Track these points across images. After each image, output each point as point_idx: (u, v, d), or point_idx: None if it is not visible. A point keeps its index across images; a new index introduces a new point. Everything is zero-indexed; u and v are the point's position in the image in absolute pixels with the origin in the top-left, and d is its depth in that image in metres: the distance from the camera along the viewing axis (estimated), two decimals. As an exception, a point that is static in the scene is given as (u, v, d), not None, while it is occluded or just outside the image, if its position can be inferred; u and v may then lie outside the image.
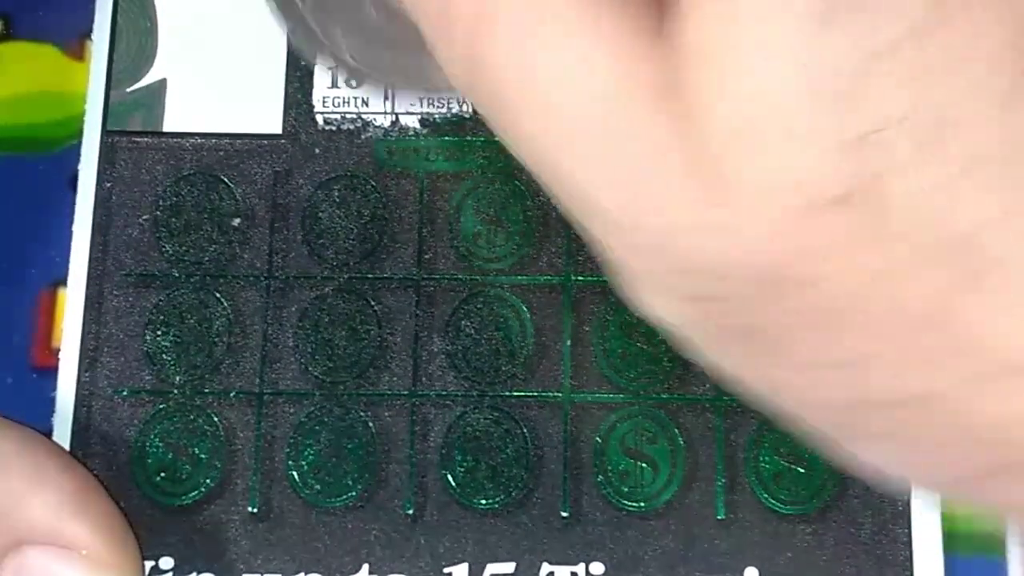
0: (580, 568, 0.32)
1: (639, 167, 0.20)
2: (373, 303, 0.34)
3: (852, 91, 0.18)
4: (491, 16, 0.21)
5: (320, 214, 0.34)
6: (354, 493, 0.33)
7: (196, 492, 0.33)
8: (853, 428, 0.22)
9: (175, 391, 0.33)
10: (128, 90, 0.35)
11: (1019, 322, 0.18)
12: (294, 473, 0.33)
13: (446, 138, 0.35)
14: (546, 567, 0.32)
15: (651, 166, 0.20)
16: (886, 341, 0.19)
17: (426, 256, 0.34)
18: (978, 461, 0.20)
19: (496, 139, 0.35)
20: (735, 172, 0.19)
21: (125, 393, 0.33)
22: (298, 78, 0.35)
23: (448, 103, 0.35)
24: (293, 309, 0.34)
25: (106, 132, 0.35)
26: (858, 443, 0.22)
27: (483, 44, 0.21)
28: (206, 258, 0.34)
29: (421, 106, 0.35)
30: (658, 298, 0.22)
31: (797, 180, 0.19)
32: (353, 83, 0.33)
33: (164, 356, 0.34)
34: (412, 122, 0.35)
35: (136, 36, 0.36)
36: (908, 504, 0.32)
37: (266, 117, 0.35)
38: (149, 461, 0.33)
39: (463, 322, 0.34)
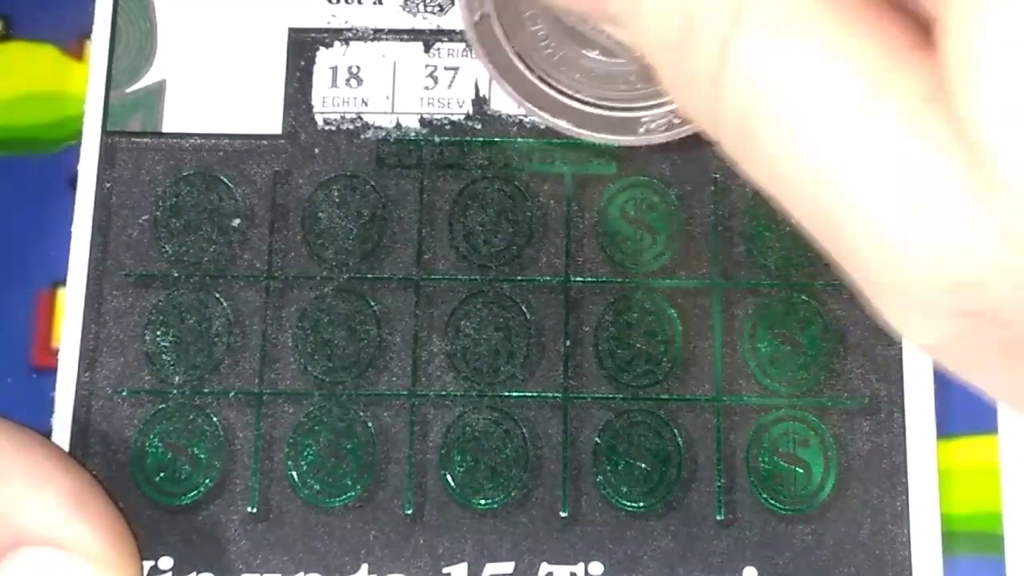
0: (579, 568, 0.32)
1: (915, 182, 0.20)
2: (372, 303, 0.34)
3: None
4: (737, 46, 0.21)
5: (320, 214, 0.34)
6: (353, 493, 0.33)
7: (195, 492, 0.33)
8: None
9: (175, 391, 0.33)
10: (128, 90, 0.35)
11: None
12: (293, 473, 0.33)
13: (446, 138, 0.35)
14: (545, 567, 0.32)
15: (927, 181, 0.20)
16: None
17: (426, 256, 0.34)
18: None
19: (496, 139, 0.35)
20: (1012, 178, 0.19)
21: (125, 393, 0.33)
22: (298, 78, 0.35)
23: (448, 103, 0.35)
24: (293, 309, 0.34)
25: (106, 132, 0.35)
26: None
27: (730, 74, 0.21)
28: (206, 258, 0.34)
29: (421, 106, 0.35)
30: (920, 317, 0.21)
31: None
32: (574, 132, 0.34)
33: (164, 356, 0.34)
34: (412, 122, 0.35)
35: (136, 36, 0.36)
36: (907, 504, 0.32)
37: (266, 117, 0.35)
38: (148, 461, 0.33)
39: (462, 322, 0.34)
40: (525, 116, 0.35)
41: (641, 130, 0.32)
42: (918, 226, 0.20)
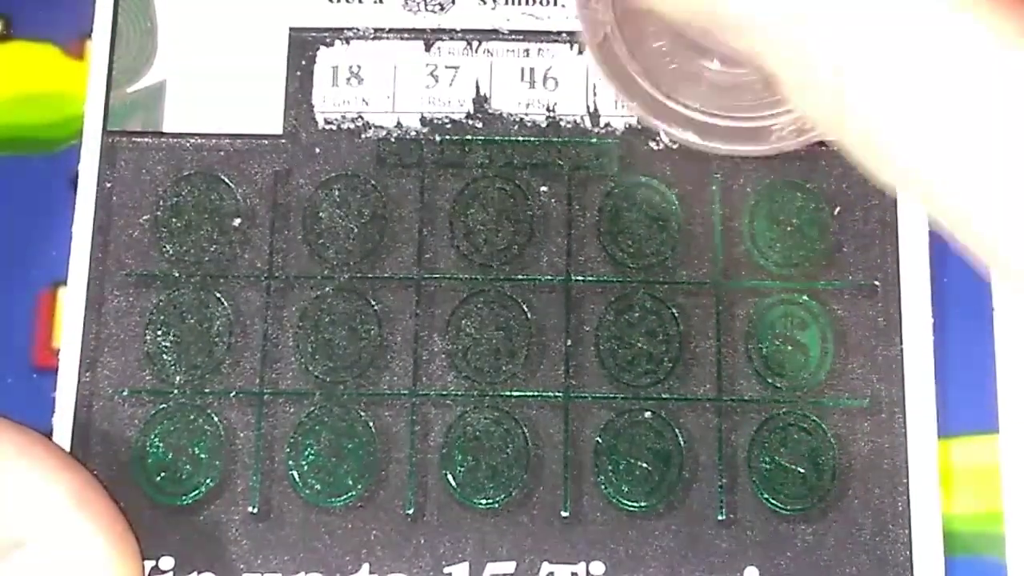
0: (580, 568, 0.32)
1: None
2: (373, 303, 0.34)
3: None
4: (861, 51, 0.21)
5: (320, 214, 0.34)
6: (354, 493, 0.33)
7: (196, 492, 0.33)
8: None
9: (175, 391, 0.33)
10: (128, 90, 0.35)
11: None
12: (294, 473, 0.33)
13: (446, 137, 0.35)
14: (546, 567, 0.32)
15: None
16: None
17: (426, 256, 0.34)
18: None
19: (496, 139, 0.35)
20: None
21: (125, 393, 0.33)
22: (298, 78, 0.35)
23: (448, 103, 0.35)
24: (293, 309, 0.34)
25: (106, 132, 0.35)
26: None
27: (856, 76, 0.21)
28: (206, 258, 0.34)
29: (422, 105, 0.35)
30: None
31: None
32: (699, 142, 0.34)
33: (164, 356, 0.34)
34: (413, 121, 0.35)
35: (136, 36, 0.36)
36: (908, 504, 0.32)
37: (266, 117, 0.35)
38: (149, 461, 0.33)
39: (463, 322, 0.34)
40: (526, 115, 0.35)
41: (772, 138, 0.32)
42: None
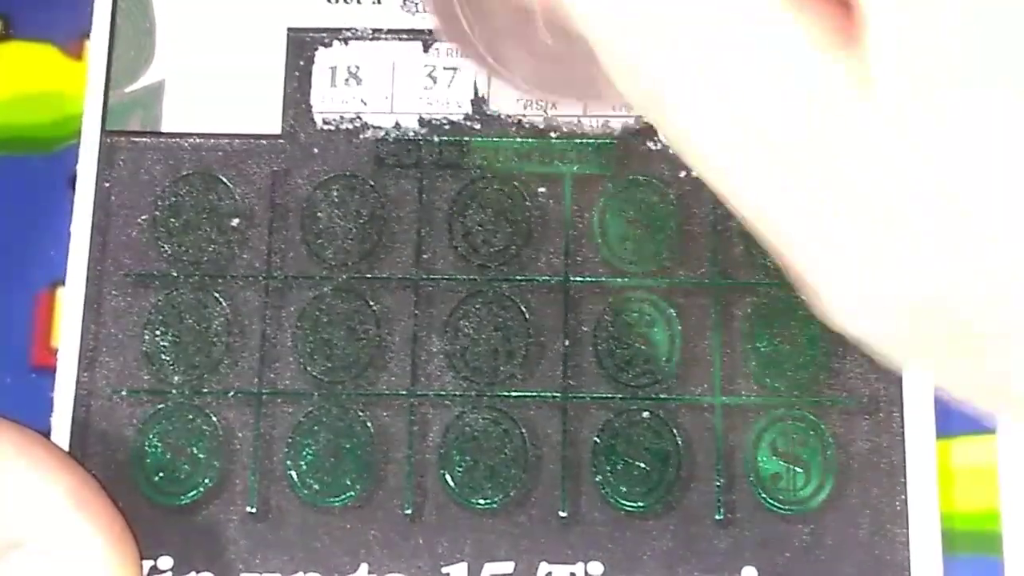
0: (578, 568, 0.32)
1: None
2: (372, 303, 0.34)
3: None
4: (674, 26, 0.21)
5: (319, 214, 0.34)
6: (353, 493, 0.33)
7: (195, 492, 0.33)
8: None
9: (174, 391, 0.33)
10: (127, 90, 0.35)
11: None
12: (293, 473, 0.33)
13: (445, 138, 0.35)
14: (544, 567, 0.32)
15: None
16: None
17: (425, 256, 0.34)
18: None
19: (494, 140, 0.35)
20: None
21: (124, 393, 0.33)
22: (297, 78, 0.35)
23: (447, 103, 0.35)
24: (292, 309, 0.34)
25: (105, 132, 0.35)
26: None
27: (663, 58, 0.21)
28: (205, 258, 0.34)
29: (420, 106, 0.35)
30: (871, 320, 0.21)
31: None
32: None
33: (163, 356, 0.34)
34: (411, 122, 0.35)
35: (135, 36, 0.36)
36: (906, 504, 0.32)
37: (265, 117, 0.35)
38: (148, 461, 0.33)
39: (462, 322, 0.34)
40: (524, 116, 0.35)
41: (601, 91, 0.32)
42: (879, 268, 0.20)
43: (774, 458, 0.33)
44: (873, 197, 0.20)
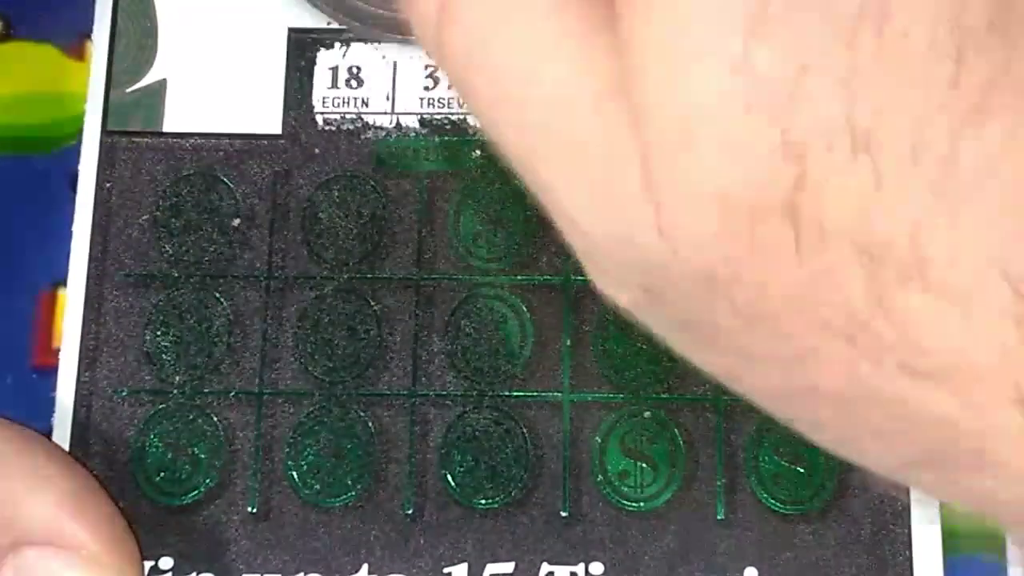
0: (580, 568, 0.32)
1: (590, 166, 0.20)
2: (373, 303, 0.34)
3: (784, 99, 0.18)
4: (453, 5, 0.21)
5: (320, 214, 0.34)
6: (353, 493, 0.33)
7: (196, 492, 0.33)
8: (803, 414, 0.22)
9: (175, 391, 0.33)
10: (128, 90, 0.35)
11: (944, 321, 0.18)
12: (294, 473, 0.33)
13: (446, 138, 0.35)
14: (545, 567, 0.32)
15: (601, 166, 0.20)
16: (823, 338, 0.20)
17: (426, 256, 0.34)
18: (917, 449, 0.20)
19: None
20: (672, 179, 0.19)
21: (125, 393, 0.33)
22: (298, 78, 0.35)
23: (448, 103, 0.35)
24: (293, 309, 0.34)
25: (106, 132, 0.35)
26: (810, 429, 0.22)
27: (447, 32, 0.21)
28: (206, 258, 0.34)
29: (421, 106, 0.35)
30: (613, 287, 0.22)
31: (730, 190, 0.19)
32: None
33: (164, 356, 0.34)
34: (412, 122, 0.35)
35: (136, 36, 0.36)
36: (908, 504, 0.32)
37: (266, 117, 0.35)
38: (149, 461, 0.33)
39: (463, 322, 0.34)
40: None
41: None
42: (593, 202, 0.21)
43: (776, 458, 0.33)
44: None
